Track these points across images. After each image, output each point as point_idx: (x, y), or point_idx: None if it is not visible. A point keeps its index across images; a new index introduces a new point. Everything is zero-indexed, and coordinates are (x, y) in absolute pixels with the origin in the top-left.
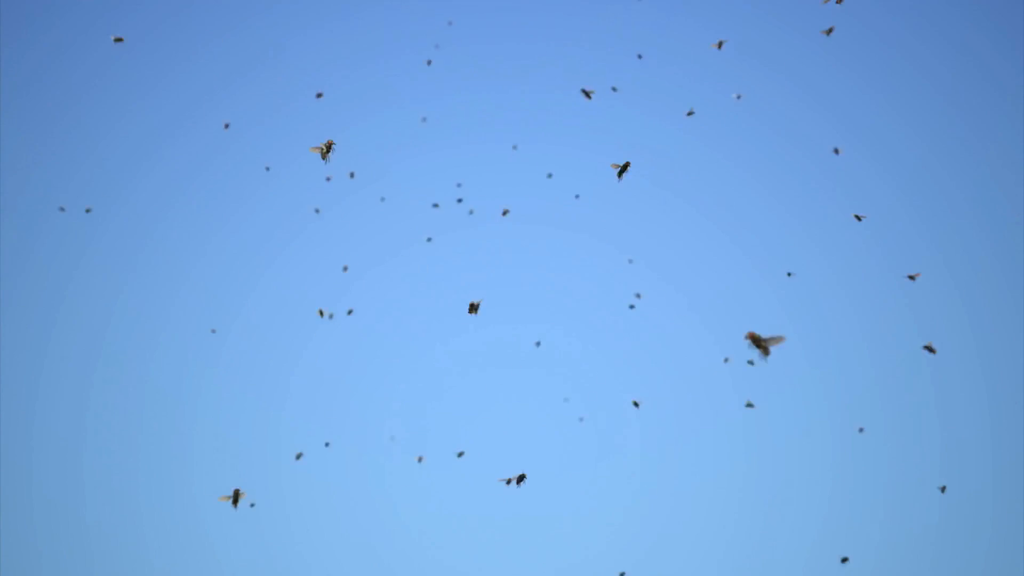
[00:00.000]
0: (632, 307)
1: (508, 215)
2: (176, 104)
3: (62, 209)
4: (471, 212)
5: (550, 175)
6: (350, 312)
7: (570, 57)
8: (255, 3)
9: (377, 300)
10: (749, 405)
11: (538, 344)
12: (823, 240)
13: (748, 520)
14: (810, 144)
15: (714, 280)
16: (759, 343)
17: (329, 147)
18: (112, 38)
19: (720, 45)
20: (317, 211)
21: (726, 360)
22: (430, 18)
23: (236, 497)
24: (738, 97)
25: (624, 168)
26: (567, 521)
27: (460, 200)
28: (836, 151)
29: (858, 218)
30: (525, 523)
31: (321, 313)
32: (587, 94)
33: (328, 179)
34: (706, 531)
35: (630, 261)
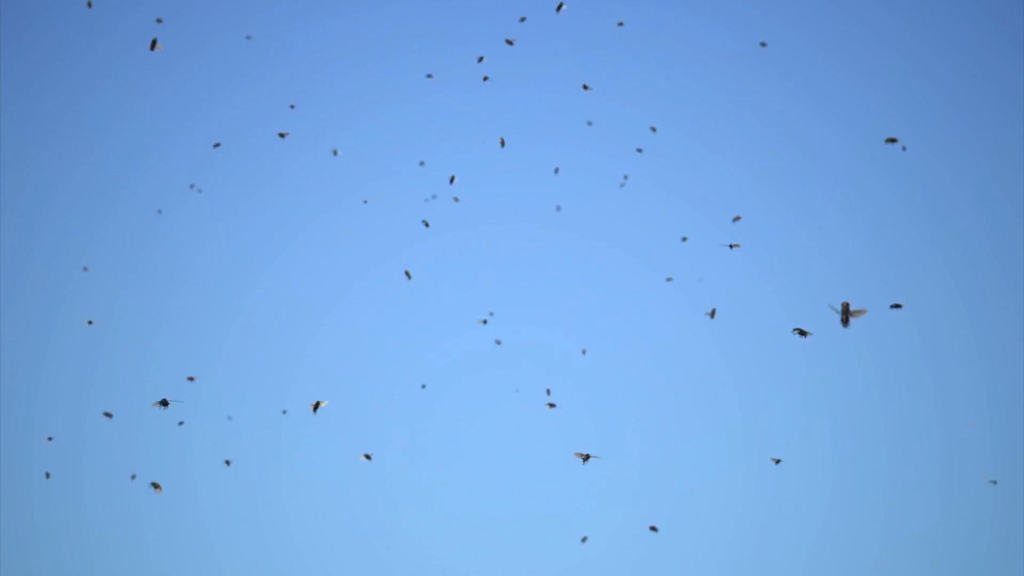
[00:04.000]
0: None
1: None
2: (176, 104)
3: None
4: (456, 200)
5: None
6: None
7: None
8: (254, 5)
9: (376, 300)
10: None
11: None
12: (823, 240)
13: (748, 520)
14: (810, 144)
15: (714, 280)
16: (847, 313)
17: None
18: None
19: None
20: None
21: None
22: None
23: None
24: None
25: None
26: (565, 523)
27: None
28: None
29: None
30: (523, 524)
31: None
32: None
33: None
34: (706, 531)
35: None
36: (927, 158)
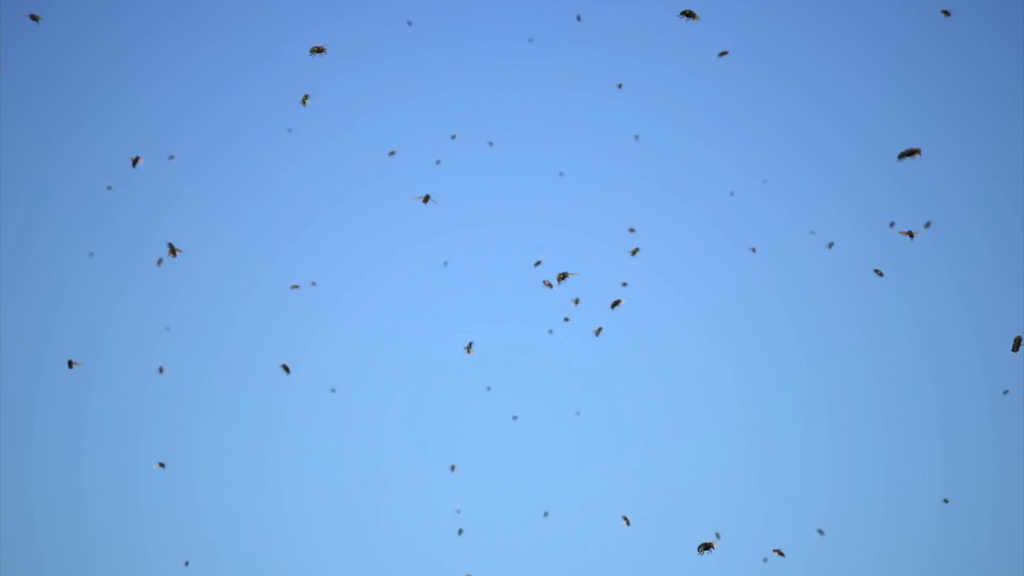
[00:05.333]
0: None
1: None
2: (177, 103)
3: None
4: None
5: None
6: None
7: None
8: (251, 5)
9: (376, 299)
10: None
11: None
12: (823, 240)
13: (748, 521)
14: (810, 144)
15: (715, 280)
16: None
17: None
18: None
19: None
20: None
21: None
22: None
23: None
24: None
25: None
26: (565, 522)
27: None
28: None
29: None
30: (522, 524)
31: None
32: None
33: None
34: (706, 531)
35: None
36: (928, 158)
